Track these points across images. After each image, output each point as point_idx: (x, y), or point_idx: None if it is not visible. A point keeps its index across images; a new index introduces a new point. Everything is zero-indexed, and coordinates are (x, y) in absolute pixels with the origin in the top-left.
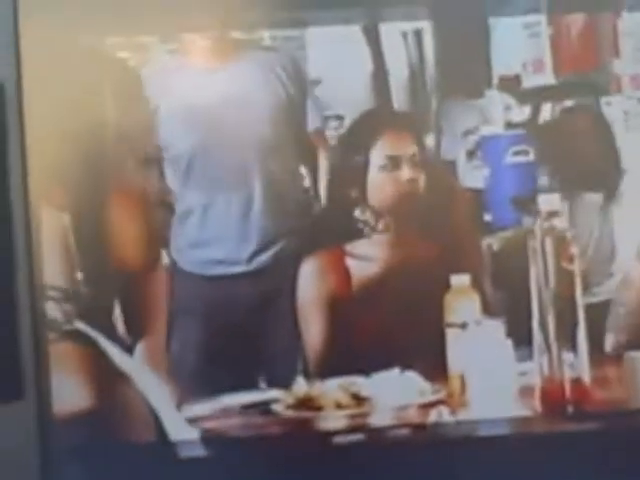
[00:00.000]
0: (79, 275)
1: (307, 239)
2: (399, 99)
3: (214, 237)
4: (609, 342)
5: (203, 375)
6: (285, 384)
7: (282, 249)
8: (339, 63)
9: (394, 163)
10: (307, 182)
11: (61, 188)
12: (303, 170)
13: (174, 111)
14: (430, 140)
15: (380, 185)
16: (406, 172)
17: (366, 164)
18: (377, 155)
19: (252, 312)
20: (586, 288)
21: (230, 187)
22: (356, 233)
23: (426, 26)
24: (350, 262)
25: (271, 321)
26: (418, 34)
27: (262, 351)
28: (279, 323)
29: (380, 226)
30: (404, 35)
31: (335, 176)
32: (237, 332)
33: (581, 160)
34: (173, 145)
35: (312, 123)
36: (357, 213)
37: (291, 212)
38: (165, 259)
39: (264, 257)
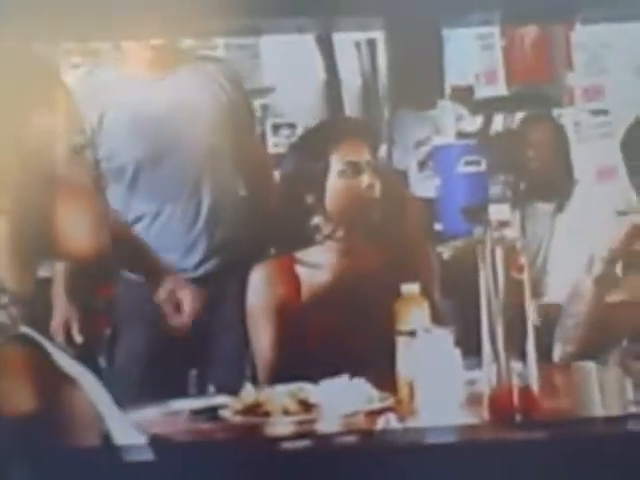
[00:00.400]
0: (25, 278)
1: (256, 246)
2: (352, 108)
3: (160, 246)
4: (557, 352)
5: (151, 380)
6: (233, 390)
7: (230, 256)
8: (292, 71)
9: (354, 169)
10: (255, 190)
11: (4, 192)
12: (250, 179)
13: (119, 120)
14: (382, 150)
15: (339, 190)
16: (366, 178)
17: (326, 170)
18: (337, 161)
19: (200, 318)
20: (535, 297)
21: (177, 196)
22: (308, 240)
23: (379, 36)
24: (300, 269)
25: (220, 327)
26: (371, 44)
27: (211, 357)
28: (228, 329)
29: (336, 233)
30: (357, 45)
31: (289, 183)
32: (185, 338)
33: (533, 170)
34: (118, 154)
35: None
36: (313, 219)
37: (239, 220)
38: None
39: (211, 264)
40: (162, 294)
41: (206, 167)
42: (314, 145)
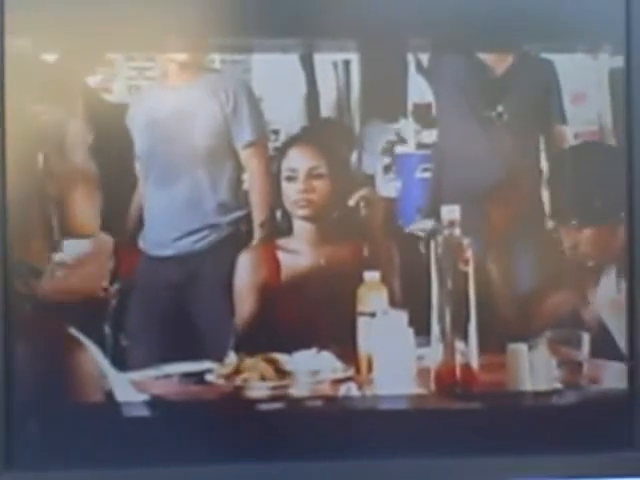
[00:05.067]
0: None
1: (242, 231)
2: (328, 118)
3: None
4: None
5: (149, 346)
6: (219, 357)
7: (219, 238)
8: (278, 85)
9: (293, 175)
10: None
11: (51, 180)
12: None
13: (132, 123)
14: (354, 156)
15: (284, 193)
16: (300, 184)
17: (278, 174)
18: (284, 167)
19: (193, 294)
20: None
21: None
22: (282, 231)
23: (354, 58)
24: (280, 255)
25: (208, 302)
26: (347, 64)
27: (200, 328)
28: (216, 304)
29: (297, 228)
30: (335, 64)
31: (267, 183)
32: (179, 311)
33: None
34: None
35: (246, 137)
36: (277, 213)
37: (227, 208)
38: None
39: (203, 243)
40: None
41: (210, 163)
42: (281, 151)
